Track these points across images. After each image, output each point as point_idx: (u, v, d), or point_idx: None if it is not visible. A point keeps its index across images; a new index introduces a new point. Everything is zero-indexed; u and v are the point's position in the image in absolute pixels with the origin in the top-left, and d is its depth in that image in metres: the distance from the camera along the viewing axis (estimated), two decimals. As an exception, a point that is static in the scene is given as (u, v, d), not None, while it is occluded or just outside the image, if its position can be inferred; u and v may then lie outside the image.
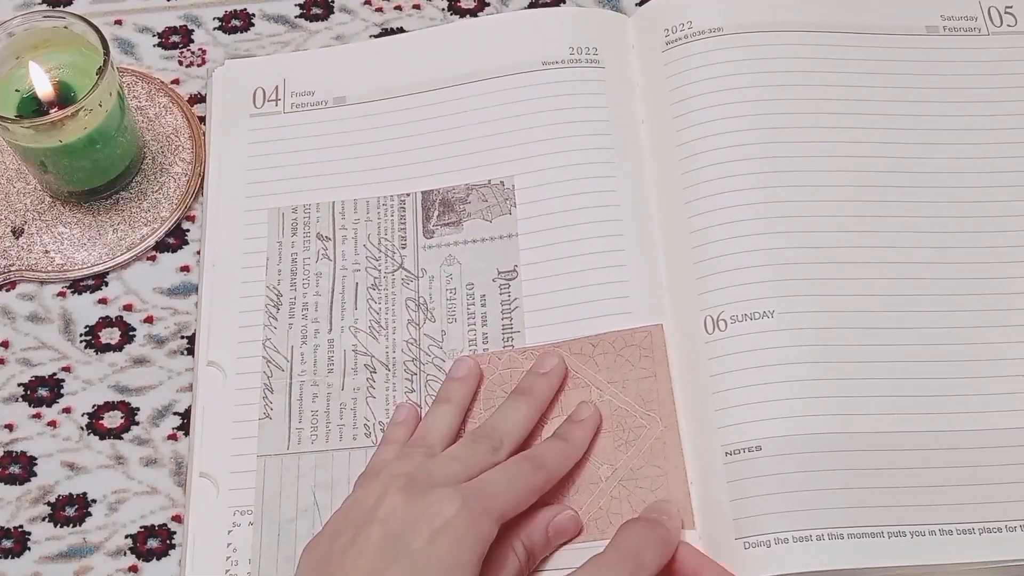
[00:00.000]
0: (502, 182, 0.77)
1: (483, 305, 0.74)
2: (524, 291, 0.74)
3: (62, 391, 0.75)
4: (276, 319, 0.75)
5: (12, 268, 0.77)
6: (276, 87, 0.82)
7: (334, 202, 0.78)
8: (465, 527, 0.60)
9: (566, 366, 0.70)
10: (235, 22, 0.86)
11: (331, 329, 0.75)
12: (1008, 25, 0.80)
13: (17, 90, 0.75)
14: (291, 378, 0.73)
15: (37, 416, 0.74)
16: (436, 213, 0.77)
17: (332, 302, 0.75)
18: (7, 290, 0.77)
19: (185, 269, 0.78)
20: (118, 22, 0.86)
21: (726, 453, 0.67)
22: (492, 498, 0.62)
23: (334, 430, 0.72)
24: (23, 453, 0.73)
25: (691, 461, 0.68)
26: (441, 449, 0.67)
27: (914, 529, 0.64)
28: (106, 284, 0.78)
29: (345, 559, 0.60)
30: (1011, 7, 0.80)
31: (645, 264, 0.74)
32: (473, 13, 0.86)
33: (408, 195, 0.77)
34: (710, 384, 0.69)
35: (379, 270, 0.76)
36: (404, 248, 0.76)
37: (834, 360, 0.69)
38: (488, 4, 0.86)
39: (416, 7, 0.86)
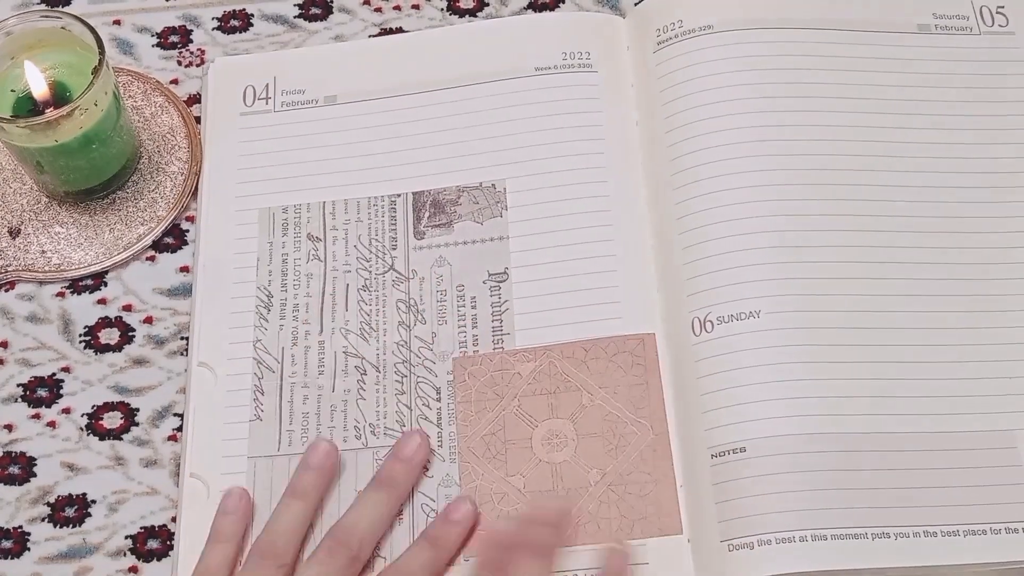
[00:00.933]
0: (493, 185, 0.77)
1: (473, 307, 0.74)
2: (515, 293, 0.74)
3: (61, 392, 0.75)
4: (267, 320, 0.75)
5: (9, 268, 0.77)
6: (267, 85, 0.81)
7: (324, 202, 0.78)
8: None
9: (425, 454, 0.69)
10: (234, 22, 0.86)
11: (322, 331, 0.74)
12: (999, 25, 0.80)
13: (12, 90, 0.75)
14: (282, 380, 0.73)
15: (36, 417, 0.74)
16: (427, 214, 0.77)
17: (323, 303, 0.75)
18: (6, 290, 0.77)
19: (184, 270, 0.78)
20: (117, 22, 0.86)
21: (712, 455, 0.67)
22: None
23: (324, 432, 0.72)
24: (22, 454, 0.73)
25: (679, 464, 0.69)
26: (292, 557, 0.66)
27: (898, 531, 0.64)
28: (105, 284, 0.77)
29: None
30: (1003, 7, 0.80)
31: (636, 268, 0.74)
32: (472, 13, 0.85)
33: (399, 196, 0.77)
34: (697, 386, 0.69)
35: (370, 271, 0.76)
36: (395, 249, 0.76)
37: (819, 361, 0.69)
38: (487, 4, 0.85)
39: (415, 7, 0.86)
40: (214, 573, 0.66)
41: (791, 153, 0.74)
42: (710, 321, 0.70)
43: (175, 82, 0.84)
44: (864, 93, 0.76)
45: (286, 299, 0.75)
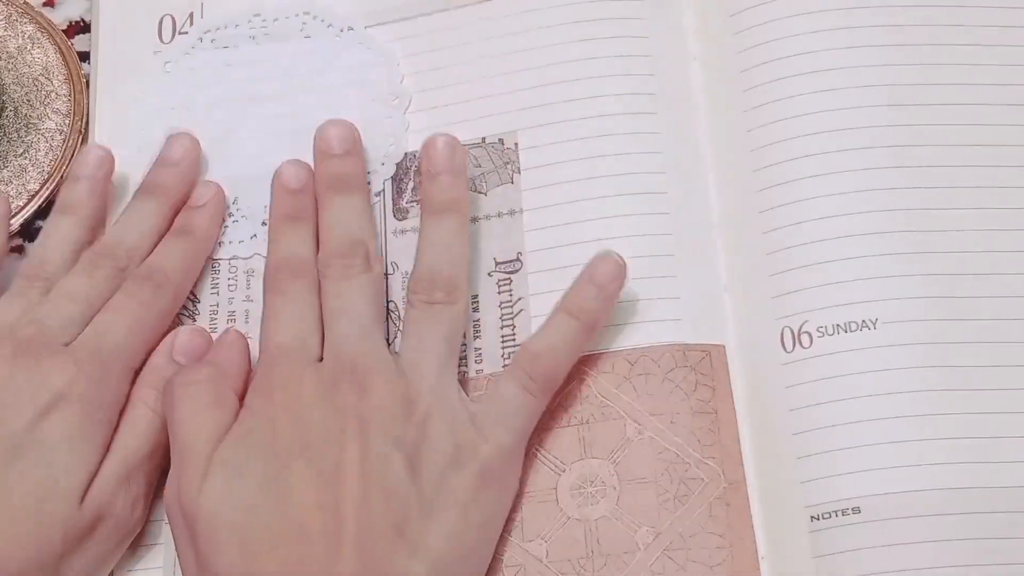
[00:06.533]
0: (500, 140, 0.67)
1: (475, 310, 0.64)
2: (531, 288, 0.64)
3: None
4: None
5: None
6: (190, 14, 0.72)
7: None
8: (82, 397, 0.57)
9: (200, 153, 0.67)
10: (130, -75, 0.75)
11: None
12: None
13: None
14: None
15: None
16: (411, 185, 0.66)
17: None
18: None
19: (67, 263, 0.68)
20: (-30, -76, 0.74)
21: (811, 517, 0.59)
22: (114, 350, 0.58)
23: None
24: None
25: (762, 527, 0.59)
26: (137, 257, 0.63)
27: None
28: (-42, 284, 0.66)
29: None
30: None
31: (697, 254, 0.64)
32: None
33: (374, 162, 0.70)
34: (789, 421, 0.60)
35: (335, 266, 0.67)
36: (368, 236, 0.68)
37: (962, 387, 0.59)
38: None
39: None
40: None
41: (923, 103, 0.63)
42: (807, 332, 0.60)
43: (50, 4, 0.73)
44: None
45: (218, 304, 0.65)
